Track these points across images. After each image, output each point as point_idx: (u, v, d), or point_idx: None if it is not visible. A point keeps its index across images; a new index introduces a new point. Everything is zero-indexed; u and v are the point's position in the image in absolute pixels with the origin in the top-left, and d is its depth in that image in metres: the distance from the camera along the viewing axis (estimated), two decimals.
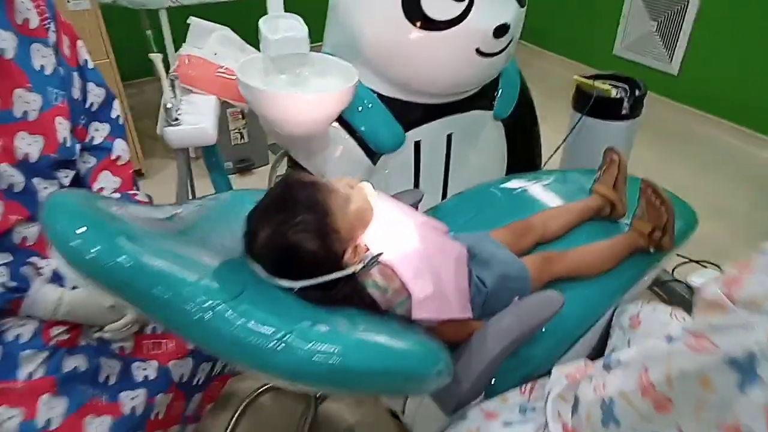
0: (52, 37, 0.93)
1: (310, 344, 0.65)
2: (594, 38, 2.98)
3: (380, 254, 0.80)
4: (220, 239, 0.80)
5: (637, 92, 1.74)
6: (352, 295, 0.78)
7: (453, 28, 1.13)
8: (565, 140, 1.81)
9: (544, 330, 0.96)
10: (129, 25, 2.31)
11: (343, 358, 0.64)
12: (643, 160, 2.38)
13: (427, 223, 0.93)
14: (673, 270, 1.76)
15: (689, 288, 1.66)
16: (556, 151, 1.81)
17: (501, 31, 1.15)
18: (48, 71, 0.92)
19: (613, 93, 1.72)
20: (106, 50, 1.95)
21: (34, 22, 0.90)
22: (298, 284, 0.74)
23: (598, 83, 1.74)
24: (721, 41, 2.44)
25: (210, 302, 0.64)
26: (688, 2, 2.50)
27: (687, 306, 1.68)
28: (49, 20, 0.93)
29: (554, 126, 1.88)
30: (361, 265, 0.79)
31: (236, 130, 2.16)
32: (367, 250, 0.83)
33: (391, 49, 1.18)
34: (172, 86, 1.15)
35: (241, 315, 0.65)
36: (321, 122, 1.11)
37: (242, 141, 2.21)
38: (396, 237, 0.84)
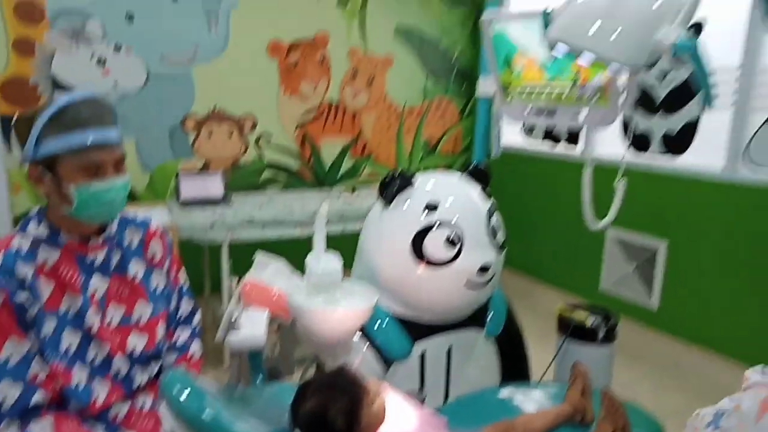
0: (166, 265, 1.35)
1: None
2: (583, 276, 3.43)
3: None
4: (269, 416, 1.08)
5: (610, 321, 2.07)
6: None
7: (447, 267, 1.54)
8: (553, 360, 2.09)
9: None
10: (192, 253, 2.84)
11: None
12: (635, 389, 2.60)
13: (429, 418, 1.20)
14: None
15: None
16: (547, 369, 2.08)
17: (484, 269, 1.55)
18: (159, 290, 1.32)
19: (589, 322, 2.05)
20: None
21: (158, 256, 1.33)
22: None
23: (577, 313, 2.09)
24: (689, 279, 2.84)
25: None
26: (657, 249, 2.98)
27: None
28: (168, 255, 1.36)
29: (549, 347, 2.19)
30: None
31: (270, 344, 2.49)
32: None
33: (401, 281, 1.58)
34: (238, 302, 1.53)
35: None
36: (347, 332, 1.45)
37: (274, 354, 2.52)
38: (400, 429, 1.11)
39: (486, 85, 1.93)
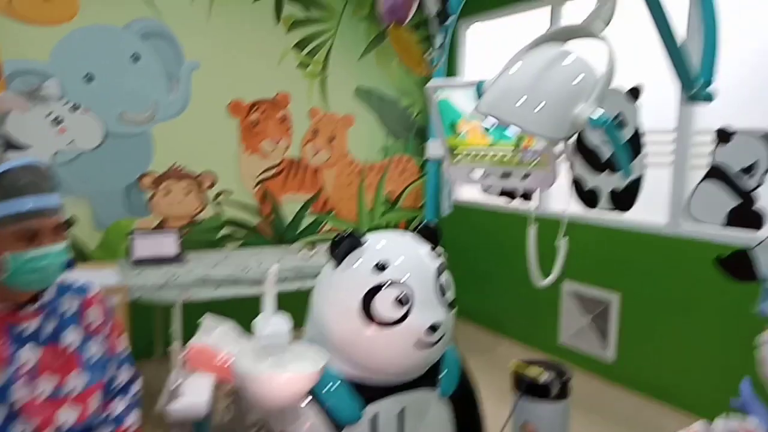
0: (105, 331, 1.31)
1: None
2: (542, 329, 3.46)
3: None
4: None
5: (563, 377, 2.08)
6: None
7: (397, 326, 1.53)
8: (508, 419, 2.08)
9: None
10: (144, 315, 2.76)
11: None
12: None
13: None
14: None
15: None
16: (503, 429, 2.06)
17: (433, 328, 1.55)
18: (96, 358, 1.27)
19: (542, 378, 2.05)
20: None
21: (96, 324, 1.29)
22: None
23: (530, 369, 2.10)
24: (642, 332, 2.89)
25: None
26: (610, 302, 3.04)
27: None
28: (108, 321, 1.32)
29: (507, 404, 2.16)
30: None
31: (222, 409, 2.40)
32: None
33: (351, 341, 1.57)
34: (182, 367, 1.49)
35: None
36: (295, 396, 1.42)
37: (225, 420, 2.43)
38: None
39: (434, 148, 2.00)
